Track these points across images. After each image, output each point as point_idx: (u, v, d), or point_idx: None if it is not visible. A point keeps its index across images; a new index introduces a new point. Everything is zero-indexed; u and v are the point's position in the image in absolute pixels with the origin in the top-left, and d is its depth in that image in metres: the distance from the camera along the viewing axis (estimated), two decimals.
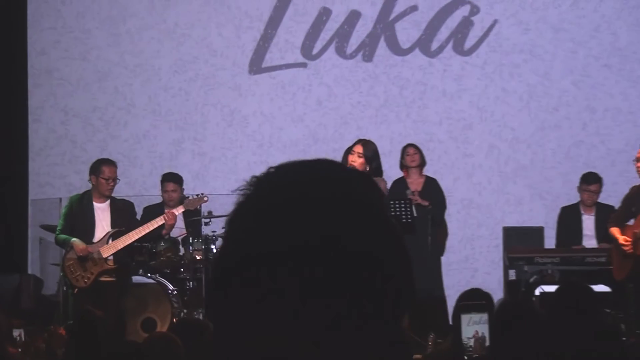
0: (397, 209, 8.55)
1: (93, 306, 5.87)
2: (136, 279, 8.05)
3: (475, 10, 10.32)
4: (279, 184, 1.32)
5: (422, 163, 8.90)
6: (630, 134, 9.91)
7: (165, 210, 8.02)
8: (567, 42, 10.24)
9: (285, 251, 1.27)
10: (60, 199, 9.19)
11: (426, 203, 8.73)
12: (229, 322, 1.26)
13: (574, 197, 9.03)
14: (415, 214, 8.67)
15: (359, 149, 7.37)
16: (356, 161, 7.31)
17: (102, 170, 7.82)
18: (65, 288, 7.84)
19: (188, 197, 8.27)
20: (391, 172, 8.73)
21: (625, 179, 8.64)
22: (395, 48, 10.39)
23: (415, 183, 8.87)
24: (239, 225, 1.29)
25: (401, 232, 1.37)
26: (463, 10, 10.33)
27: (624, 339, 7.02)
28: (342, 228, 1.29)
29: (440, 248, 9.01)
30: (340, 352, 1.26)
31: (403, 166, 8.86)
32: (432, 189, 8.91)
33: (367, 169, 7.35)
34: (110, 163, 7.94)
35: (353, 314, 1.27)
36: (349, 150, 7.46)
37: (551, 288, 7.31)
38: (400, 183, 8.80)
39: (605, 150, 10.11)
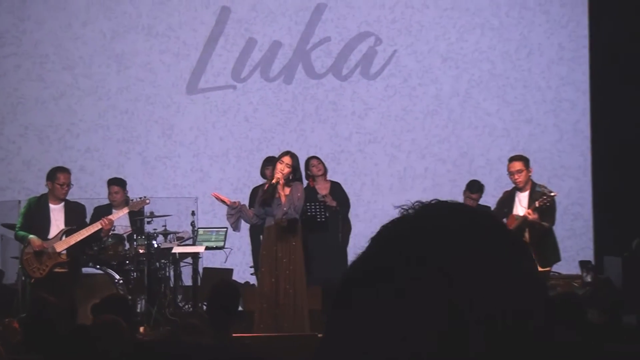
0: (313, 210, 8.64)
1: (48, 294, 5.81)
2: (86, 270, 7.93)
3: (378, 41, 10.48)
4: (423, 209, 1.14)
5: (326, 171, 9.01)
6: (504, 147, 10.06)
7: (102, 218, 7.87)
8: (453, 69, 10.40)
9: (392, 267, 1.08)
10: (19, 201, 9.01)
11: (334, 204, 8.86)
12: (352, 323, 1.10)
13: (459, 199, 9.28)
14: (327, 215, 8.81)
15: (287, 160, 7.38)
16: (284, 170, 7.35)
17: (58, 176, 7.68)
18: (23, 278, 7.66)
19: (132, 199, 8.21)
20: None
21: (500, 185, 8.72)
22: (312, 73, 10.49)
23: (323, 188, 8.91)
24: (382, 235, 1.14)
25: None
26: (369, 42, 10.47)
27: None
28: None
29: (346, 241, 9.06)
30: None
31: (309, 176, 8.89)
32: (337, 191, 9.01)
33: (291, 177, 7.49)
34: (65, 170, 7.79)
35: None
36: (277, 160, 7.53)
37: None
38: (310, 190, 8.85)
39: (485, 161, 10.27)
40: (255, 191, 8.16)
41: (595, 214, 10.12)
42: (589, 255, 9.95)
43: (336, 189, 8.95)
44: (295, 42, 10.49)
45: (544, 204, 7.22)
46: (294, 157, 7.45)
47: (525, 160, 7.52)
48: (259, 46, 10.49)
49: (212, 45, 10.50)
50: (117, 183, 8.55)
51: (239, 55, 10.48)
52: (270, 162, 8.86)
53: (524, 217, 7.29)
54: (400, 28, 10.44)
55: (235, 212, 7.55)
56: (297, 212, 7.43)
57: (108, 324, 4.39)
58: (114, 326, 4.34)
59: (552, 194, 7.30)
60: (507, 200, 7.57)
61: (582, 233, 10.13)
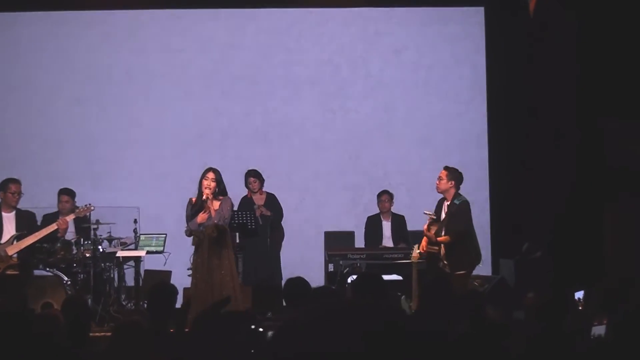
0: (243, 218, 8.69)
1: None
2: (37, 272, 7.85)
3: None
4: None
5: (261, 186, 9.07)
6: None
7: (60, 218, 7.87)
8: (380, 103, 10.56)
9: None
10: None
11: (269, 213, 8.92)
12: None
13: (374, 211, 9.38)
14: (260, 222, 8.84)
15: (211, 175, 7.34)
16: (210, 184, 7.34)
17: (9, 186, 7.63)
18: None
19: (78, 207, 8.15)
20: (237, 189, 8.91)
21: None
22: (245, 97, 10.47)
23: (259, 199, 9.01)
24: None
25: None
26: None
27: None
28: None
29: (278, 246, 9.11)
30: None
31: (248, 190, 8.99)
32: (272, 202, 9.06)
33: (217, 190, 7.49)
34: (15, 181, 7.73)
35: None
36: (202, 177, 7.45)
37: None
38: (248, 200, 8.97)
39: (400, 179, 10.35)
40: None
41: (492, 222, 10.31)
42: (486, 258, 10.14)
43: (271, 200, 9.02)
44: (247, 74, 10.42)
45: (431, 219, 7.29)
46: (216, 172, 7.41)
47: (450, 171, 7.47)
48: (199, 73, 10.41)
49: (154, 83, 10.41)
50: (67, 193, 8.49)
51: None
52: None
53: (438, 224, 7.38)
54: (345, 78, 10.45)
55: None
56: (225, 223, 7.42)
57: (47, 317, 4.40)
58: (53, 319, 4.34)
59: (429, 213, 7.33)
60: (438, 207, 7.58)
61: (481, 239, 10.29)
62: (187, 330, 4.32)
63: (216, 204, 7.37)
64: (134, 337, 4.02)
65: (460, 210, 7.32)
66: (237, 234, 8.94)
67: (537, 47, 9.40)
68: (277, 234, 9.06)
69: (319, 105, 10.46)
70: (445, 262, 7.30)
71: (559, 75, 9.15)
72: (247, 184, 8.98)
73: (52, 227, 7.69)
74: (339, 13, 10.51)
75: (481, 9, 10.43)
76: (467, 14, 10.47)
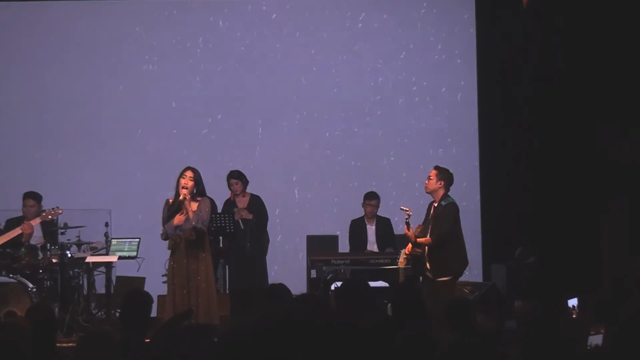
0: (221, 221, 8.55)
1: None
2: (0, 279, 7.65)
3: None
4: None
5: (244, 187, 8.92)
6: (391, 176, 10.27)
7: (24, 222, 7.69)
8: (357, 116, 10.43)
9: None
10: None
11: (250, 216, 8.78)
12: None
13: (359, 214, 9.24)
14: (242, 226, 8.70)
15: (190, 174, 7.20)
16: (188, 183, 7.19)
17: None
18: None
19: (45, 210, 7.97)
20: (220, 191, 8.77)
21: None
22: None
23: (242, 202, 8.88)
24: None
25: None
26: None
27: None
28: None
29: (263, 251, 8.96)
30: None
31: (231, 192, 8.85)
32: (256, 204, 8.92)
33: (195, 191, 7.33)
34: None
35: None
36: (180, 175, 7.33)
37: None
38: (230, 202, 8.82)
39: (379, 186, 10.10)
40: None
41: (483, 227, 10.19)
42: (477, 263, 10.06)
43: (255, 202, 8.88)
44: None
45: (408, 215, 7.14)
46: (195, 171, 7.25)
47: (440, 170, 7.29)
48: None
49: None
50: (32, 197, 8.26)
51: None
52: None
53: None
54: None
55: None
56: (204, 225, 7.24)
57: (12, 327, 4.26)
58: (17, 329, 4.22)
59: (405, 209, 7.17)
60: (427, 209, 7.42)
61: (472, 244, 10.22)
62: (147, 341, 4.22)
63: (194, 205, 7.21)
64: (100, 348, 3.90)
65: (445, 212, 7.13)
66: (221, 238, 8.81)
67: (530, 42, 9.33)
68: (262, 238, 8.93)
69: (301, 106, 10.34)
70: (427, 266, 7.13)
71: (552, 74, 9.10)
72: (229, 186, 8.84)
73: (16, 231, 7.55)
74: (324, 3, 10.40)
75: (471, 0, 10.37)
76: (457, 4, 10.38)
